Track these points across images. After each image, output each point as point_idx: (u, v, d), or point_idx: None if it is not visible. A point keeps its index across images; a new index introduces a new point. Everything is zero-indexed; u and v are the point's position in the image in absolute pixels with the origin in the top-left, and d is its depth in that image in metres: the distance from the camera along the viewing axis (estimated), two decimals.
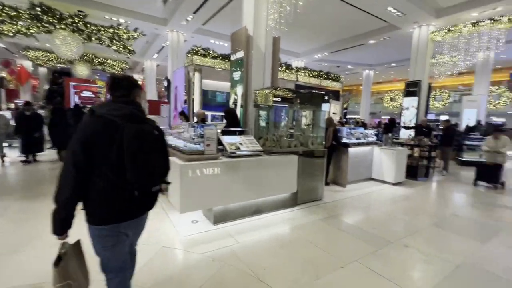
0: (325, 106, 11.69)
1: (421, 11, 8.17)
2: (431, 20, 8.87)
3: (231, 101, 5.21)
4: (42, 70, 17.75)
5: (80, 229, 1.53)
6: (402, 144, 7.03)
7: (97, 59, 15.29)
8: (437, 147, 7.80)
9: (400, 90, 21.22)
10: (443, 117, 19.55)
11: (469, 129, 10.87)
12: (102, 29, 8.99)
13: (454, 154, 9.47)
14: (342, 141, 5.86)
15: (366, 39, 11.41)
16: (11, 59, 15.53)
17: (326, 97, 12.70)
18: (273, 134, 4.11)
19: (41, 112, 8.36)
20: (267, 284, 2.27)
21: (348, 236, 3.29)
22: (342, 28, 10.90)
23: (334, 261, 2.68)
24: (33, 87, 17.72)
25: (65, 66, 15.73)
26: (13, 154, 7.46)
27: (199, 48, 9.20)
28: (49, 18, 7.91)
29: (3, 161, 6.70)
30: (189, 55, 9.26)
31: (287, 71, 12.14)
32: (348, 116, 18.60)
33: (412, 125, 9.10)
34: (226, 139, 3.67)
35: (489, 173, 6.22)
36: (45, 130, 7.29)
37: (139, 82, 1.69)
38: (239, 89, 4.93)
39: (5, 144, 7.03)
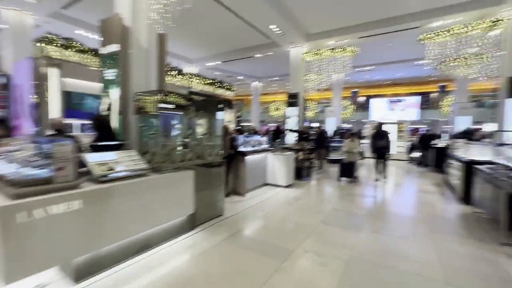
0: (220, 115, 11.64)
1: (296, 33, 9.51)
2: (303, 42, 10.50)
3: (103, 106, 4.07)
4: None
5: None
6: (289, 149, 7.79)
7: None
8: (314, 150, 9.20)
9: (283, 101, 24.50)
10: (314, 124, 23.78)
11: (334, 133, 13.57)
12: None
13: (325, 154, 11.53)
14: (239, 149, 5.79)
15: (253, 53, 12.29)
16: None
17: (221, 105, 12.69)
18: (162, 147, 3.42)
19: None
20: None
21: (253, 255, 3.07)
22: (232, 40, 11.26)
23: None
24: None
25: None
26: None
27: (57, 38, 7.02)
28: None
29: None
30: (40, 44, 6.90)
31: (179, 76, 11.34)
32: (242, 124, 19.61)
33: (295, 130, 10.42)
34: (92, 157, 2.69)
35: (348, 170, 7.48)
36: None
37: None
38: (114, 92, 3.91)
39: None
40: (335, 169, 9.38)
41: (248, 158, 5.72)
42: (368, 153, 11.80)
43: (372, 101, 21.34)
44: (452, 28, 8.31)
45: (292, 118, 10.83)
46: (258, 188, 6.28)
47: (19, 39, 8.07)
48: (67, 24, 9.17)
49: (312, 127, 15.04)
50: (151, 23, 4.12)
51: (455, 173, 6.45)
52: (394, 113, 19.79)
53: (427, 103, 20.84)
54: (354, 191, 6.36)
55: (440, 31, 8.53)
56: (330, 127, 15.73)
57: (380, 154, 7.48)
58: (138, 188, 2.84)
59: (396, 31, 9.33)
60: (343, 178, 7.54)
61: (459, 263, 2.98)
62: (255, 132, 12.11)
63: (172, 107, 4.27)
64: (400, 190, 6.92)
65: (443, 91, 19.77)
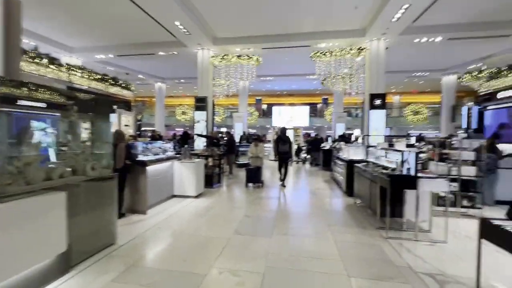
0: (113, 117, 9.85)
1: (203, 35, 9.18)
2: (210, 45, 10.28)
3: None
4: None
5: None
6: (198, 156, 7.32)
7: None
8: (224, 155, 9.07)
9: (190, 105, 23.51)
10: (223, 129, 23.90)
11: (241, 138, 13.85)
12: None
13: (235, 159, 11.65)
14: (138, 158, 4.89)
15: (156, 50, 11.11)
16: None
17: (115, 106, 10.80)
18: (9, 161, 2.33)
19: None
20: None
21: None
22: (130, 31, 9.77)
23: None
24: None
25: None
26: None
27: None
28: None
29: None
30: None
31: (53, 66, 8.84)
32: (143, 129, 17.42)
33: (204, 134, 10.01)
34: None
35: (254, 175, 7.45)
36: None
37: None
38: None
39: None
40: (243, 173, 9.56)
41: (150, 168, 4.91)
42: (271, 156, 12.78)
43: (274, 108, 23.49)
44: (333, 51, 10.09)
45: (200, 123, 10.36)
46: (163, 202, 5.50)
47: None
48: None
49: (221, 132, 15.02)
50: None
51: (339, 171, 7.74)
52: (290, 119, 22.42)
53: (314, 112, 24.80)
54: (262, 195, 6.56)
55: (326, 52, 10.17)
56: (238, 132, 16.16)
57: (283, 159, 7.54)
58: None
59: (292, 47, 10.50)
60: (250, 184, 7.49)
61: (353, 251, 3.40)
62: (159, 138, 10.90)
63: (40, 105, 3.10)
64: (300, 189, 7.69)
65: (326, 102, 24.01)
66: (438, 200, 4.92)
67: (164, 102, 18.71)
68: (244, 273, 2.79)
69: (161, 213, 4.83)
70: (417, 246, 3.57)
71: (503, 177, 5.87)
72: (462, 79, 13.19)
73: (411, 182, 3.73)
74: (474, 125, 10.04)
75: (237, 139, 13.30)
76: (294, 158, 14.11)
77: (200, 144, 9.75)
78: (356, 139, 11.08)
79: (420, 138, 7.85)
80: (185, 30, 8.64)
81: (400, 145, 5.91)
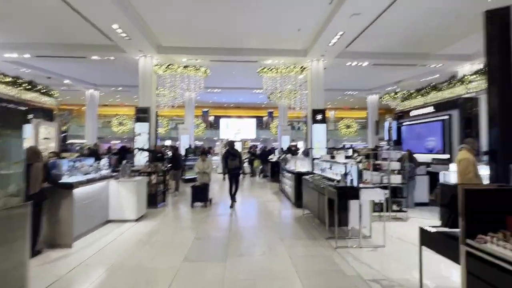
0: (27, 129, 8.19)
1: (145, 41, 8.52)
2: (153, 53, 9.62)
3: None
4: None
5: None
6: (139, 173, 6.58)
7: None
8: (169, 170, 8.41)
9: (129, 115, 21.44)
10: (167, 142, 22.47)
11: (186, 152, 13.01)
12: None
13: (181, 174, 10.93)
14: (62, 180, 4.08)
15: (88, 53, 9.82)
16: None
17: (30, 116, 9.05)
18: None
19: None
20: None
21: None
22: (55, 29, 8.39)
23: None
24: None
25: None
26: None
27: None
28: None
29: None
30: None
31: None
32: (70, 141, 15.00)
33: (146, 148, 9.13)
34: None
35: (201, 193, 6.71)
36: None
37: None
38: None
39: None
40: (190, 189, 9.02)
41: (79, 191, 4.13)
42: (220, 169, 12.48)
43: (222, 120, 23.32)
44: (279, 68, 10.63)
45: (142, 136, 9.45)
46: (95, 230, 4.68)
47: None
48: None
49: (165, 146, 14.02)
50: None
51: (288, 183, 7.99)
52: (238, 132, 22.59)
53: (260, 124, 25.61)
54: (212, 213, 6.24)
55: (272, 68, 10.65)
56: (183, 145, 15.38)
57: (233, 175, 6.76)
58: None
59: (239, 61, 10.66)
60: (196, 203, 6.69)
61: (308, 265, 3.44)
62: (92, 153, 9.51)
63: None
64: (250, 203, 7.62)
65: (271, 116, 25.07)
66: (374, 206, 5.48)
67: (97, 111, 16.59)
68: None
69: (92, 244, 4.07)
70: (362, 253, 3.83)
71: (419, 183, 6.96)
72: (383, 98, 15.62)
73: (355, 192, 4.04)
74: (394, 137, 11.80)
75: (183, 152, 12.59)
76: (248, 170, 14.07)
77: (141, 159, 8.84)
78: (301, 151, 11.74)
79: (356, 150, 8.75)
80: (124, 35, 7.88)
81: (340, 156, 6.46)
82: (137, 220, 5.28)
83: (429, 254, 2.21)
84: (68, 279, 3.04)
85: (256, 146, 22.66)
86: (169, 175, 8.53)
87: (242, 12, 7.45)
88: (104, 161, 5.74)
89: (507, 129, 2.92)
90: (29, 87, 10.15)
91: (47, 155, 5.96)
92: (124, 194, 5.25)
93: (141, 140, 9.38)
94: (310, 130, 10.23)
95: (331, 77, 12.34)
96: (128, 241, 4.25)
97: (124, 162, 6.70)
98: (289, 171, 7.84)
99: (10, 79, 9.40)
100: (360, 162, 6.75)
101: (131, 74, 12.06)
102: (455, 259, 1.80)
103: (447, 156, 7.95)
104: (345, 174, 4.45)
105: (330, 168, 5.39)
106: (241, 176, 7.20)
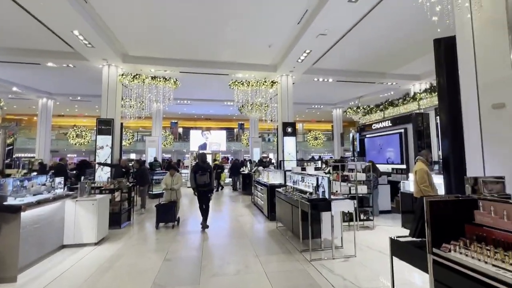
0: None
1: (110, 50, 8.09)
2: (119, 62, 9.15)
3: None
4: None
5: None
6: (101, 190, 6.04)
7: None
8: (134, 186, 7.86)
9: (89, 127, 19.85)
10: (132, 156, 21.21)
11: (150, 166, 12.23)
12: None
13: (148, 189, 10.29)
14: (6, 202, 3.56)
15: (44, 60, 9.00)
16: None
17: None
18: None
19: None
20: None
21: None
22: (2, 31, 7.57)
23: None
24: None
25: None
26: None
27: None
28: None
29: None
30: None
31: None
32: (16, 155, 13.29)
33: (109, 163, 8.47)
34: None
35: (167, 212, 6.04)
36: None
37: None
38: None
39: None
40: None
41: (27, 214, 3.63)
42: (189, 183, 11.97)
43: (192, 132, 22.72)
44: (250, 81, 10.81)
45: (105, 149, 8.77)
46: (47, 257, 4.12)
47: None
48: None
49: (132, 160, 13.16)
50: None
51: (260, 195, 7.96)
52: (208, 144, 22.17)
53: (231, 136, 25.53)
54: (182, 231, 5.92)
55: (243, 82, 10.78)
56: (150, 158, 14.62)
57: (202, 193, 5.92)
58: None
59: (210, 74, 10.63)
60: (162, 224, 6.14)
61: (284, 281, 3.38)
62: (42, 168, 8.57)
63: None
64: (222, 218, 7.39)
65: (242, 128, 25.18)
66: (344, 216, 5.68)
67: (52, 122, 15.11)
68: None
69: (43, 275, 3.56)
70: (335, 264, 3.90)
71: (382, 192, 7.43)
72: (346, 112, 16.68)
73: (327, 204, 4.15)
74: (358, 149, 12.55)
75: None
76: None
77: (103, 175, 8.15)
78: (271, 163, 11.87)
79: (325, 162, 9.09)
80: (86, 42, 7.39)
81: (310, 168, 6.65)
82: (97, 243, 4.79)
83: (399, 261, 2.32)
84: None
85: (227, 158, 22.46)
86: (135, 191, 7.99)
87: (214, 26, 7.50)
88: (59, 179, 5.17)
89: (456, 140, 3.27)
90: None
91: None
92: (83, 215, 4.74)
93: (104, 154, 8.70)
94: (281, 142, 10.44)
95: (299, 92, 12.89)
96: (86, 268, 3.80)
97: (84, 178, 6.13)
98: (261, 184, 7.84)
99: None
100: (329, 173, 7.03)
101: (92, 83, 11.34)
102: (424, 268, 1.91)
103: (404, 166, 8.65)
104: (317, 186, 4.57)
105: (302, 180, 5.49)
106: (211, 195, 6.08)
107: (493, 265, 1.53)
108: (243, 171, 12.55)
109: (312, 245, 4.19)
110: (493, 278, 1.45)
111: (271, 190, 6.67)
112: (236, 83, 10.79)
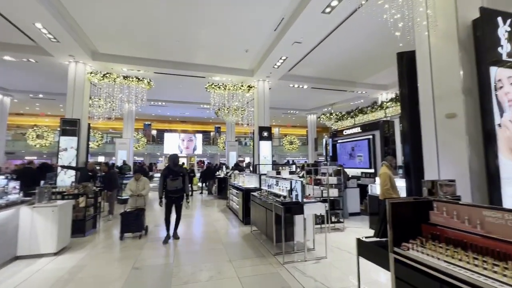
0: None
1: (77, 46, 7.61)
2: (87, 59, 8.65)
3: None
4: None
5: None
6: (63, 195, 5.61)
7: None
8: (101, 191, 7.41)
9: (52, 127, 18.41)
10: (101, 158, 20.02)
11: (119, 169, 11.62)
12: None
13: (116, 194, 9.74)
14: None
15: (0, 52, 8.23)
16: None
17: None
18: None
19: None
20: None
21: None
22: None
23: None
24: None
25: None
26: None
27: None
28: None
29: None
30: None
31: None
32: None
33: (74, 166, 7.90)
34: None
35: (133, 221, 5.49)
36: None
37: None
38: None
39: None
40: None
41: None
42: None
43: (166, 135, 21.98)
44: (227, 85, 10.79)
45: (69, 151, 8.17)
46: None
47: None
48: None
49: (100, 163, 12.39)
50: None
51: (235, 199, 7.92)
52: (184, 147, 21.61)
53: (207, 139, 25.18)
54: (152, 237, 5.70)
55: (220, 85, 10.73)
56: (120, 161, 13.91)
57: (173, 200, 5.38)
58: None
59: (186, 76, 10.45)
60: (127, 234, 5.53)
61: (258, 286, 3.39)
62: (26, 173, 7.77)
63: None
64: (196, 223, 7.23)
65: (218, 131, 24.95)
66: (316, 219, 5.85)
67: (8, 121, 13.77)
68: None
69: None
70: (306, 266, 4.00)
71: (351, 194, 7.78)
72: (320, 118, 17.30)
73: (300, 208, 4.25)
74: (330, 153, 13.05)
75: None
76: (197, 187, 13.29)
77: (66, 179, 7.58)
78: (248, 166, 11.90)
79: (301, 166, 9.30)
80: (50, 36, 6.89)
81: (285, 172, 6.79)
82: (57, 253, 4.42)
83: (365, 261, 2.45)
84: None
85: (203, 162, 22.07)
86: (102, 196, 7.52)
87: (189, 27, 7.40)
88: (14, 184, 4.72)
89: (416, 147, 3.53)
90: None
91: None
92: (41, 223, 4.36)
93: (68, 157, 8.11)
94: (257, 146, 10.52)
95: (276, 96, 13.13)
96: (43, 281, 3.49)
97: (43, 182, 5.66)
98: (237, 188, 7.80)
99: None
100: (303, 177, 7.21)
101: (57, 81, 10.59)
102: (386, 267, 2.04)
103: (372, 170, 9.15)
104: (291, 190, 4.67)
105: (277, 184, 5.57)
106: (187, 203, 5.52)
107: (445, 261, 1.67)
108: (219, 175, 12.41)
109: (285, 248, 4.25)
110: (444, 273, 1.59)
111: (247, 194, 6.66)
112: (213, 86, 10.71)
